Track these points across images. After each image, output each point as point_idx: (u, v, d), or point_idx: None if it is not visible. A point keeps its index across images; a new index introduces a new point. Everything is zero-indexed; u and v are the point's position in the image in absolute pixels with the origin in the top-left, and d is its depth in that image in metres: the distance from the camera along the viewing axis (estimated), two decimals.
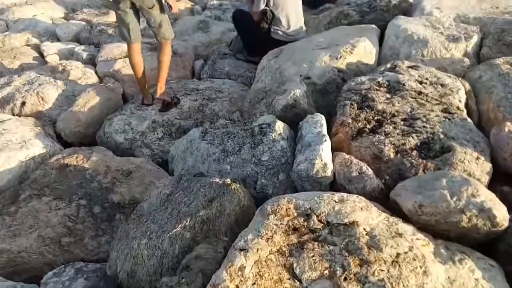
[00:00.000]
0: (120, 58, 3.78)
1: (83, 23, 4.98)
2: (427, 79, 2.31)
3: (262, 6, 3.31)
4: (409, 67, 2.46)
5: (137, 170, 2.38)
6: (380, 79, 2.34)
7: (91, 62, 3.99)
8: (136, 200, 2.15)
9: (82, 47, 4.22)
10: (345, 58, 2.84)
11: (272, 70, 3.16)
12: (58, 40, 4.69)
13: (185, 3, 5.91)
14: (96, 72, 3.71)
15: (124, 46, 3.83)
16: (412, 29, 2.85)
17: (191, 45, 4.48)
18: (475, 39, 2.74)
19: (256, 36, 3.57)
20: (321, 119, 2.10)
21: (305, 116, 2.49)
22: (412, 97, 2.17)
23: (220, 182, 1.79)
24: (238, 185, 1.79)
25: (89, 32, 4.66)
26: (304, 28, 3.55)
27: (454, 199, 1.44)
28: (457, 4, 3.30)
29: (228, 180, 1.82)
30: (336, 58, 2.84)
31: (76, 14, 5.46)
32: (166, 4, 2.92)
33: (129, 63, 3.59)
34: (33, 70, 3.47)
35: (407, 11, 3.57)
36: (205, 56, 4.32)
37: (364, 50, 2.89)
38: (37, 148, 2.58)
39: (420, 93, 2.20)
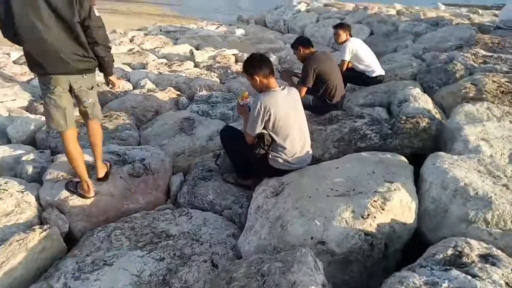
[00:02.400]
0: None
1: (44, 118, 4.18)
2: None
3: (259, 130, 2.54)
4: (481, 256, 1.63)
5: None
6: (445, 286, 1.48)
7: (39, 178, 3.10)
8: None
9: (32, 155, 3.33)
10: (374, 216, 2.02)
11: (271, 218, 2.31)
12: (9, 141, 3.85)
13: (171, 93, 5.26)
14: (38, 198, 2.82)
15: None
16: (464, 178, 2.08)
17: (170, 151, 3.70)
18: None
19: (249, 159, 2.77)
20: None
21: None
22: None
23: None
24: None
25: (47, 132, 3.82)
26: (310, 152, 2.77)
27: None
28: (508, 133, 2.59)
29: None
30: (362, 217, 2.02)
31: (40, 103, 4.68)
32: (108, 81, 2.75)
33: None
34: None
35: (440, 136, 2.86)
36: (186, 168, 3.51)
37: (399, 205, 2.09)
38: None
39: None
